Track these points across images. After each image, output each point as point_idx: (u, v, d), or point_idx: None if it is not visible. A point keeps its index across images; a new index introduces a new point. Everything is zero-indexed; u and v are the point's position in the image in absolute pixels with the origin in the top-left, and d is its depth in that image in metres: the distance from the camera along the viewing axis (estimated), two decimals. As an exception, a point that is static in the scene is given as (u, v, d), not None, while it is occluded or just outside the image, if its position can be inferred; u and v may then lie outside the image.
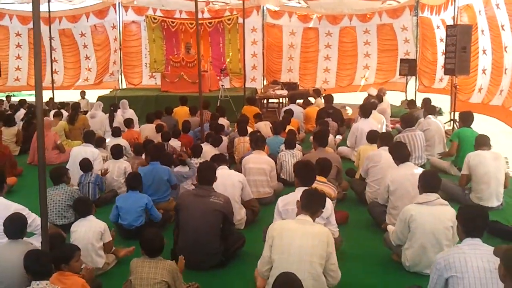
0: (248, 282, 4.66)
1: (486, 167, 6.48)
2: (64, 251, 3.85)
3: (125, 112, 11.96)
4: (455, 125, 10.83)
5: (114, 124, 11.11)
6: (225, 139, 9.21)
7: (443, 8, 14.23)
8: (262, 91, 15.61)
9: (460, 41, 10.52)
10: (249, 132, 8.87)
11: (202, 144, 8.24)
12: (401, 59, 16.27)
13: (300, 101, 13.03)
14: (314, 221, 4.04)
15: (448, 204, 4.76)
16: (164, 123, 10.46)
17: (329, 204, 4.76)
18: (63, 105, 13.05)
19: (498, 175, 6.50)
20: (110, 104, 12.36)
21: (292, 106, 11.73)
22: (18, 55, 18.94)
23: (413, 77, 16.06)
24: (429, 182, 4.77)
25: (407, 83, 16.19)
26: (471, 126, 8.05)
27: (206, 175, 5.11)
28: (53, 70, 18.48)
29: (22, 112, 12.54)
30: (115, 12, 18.64)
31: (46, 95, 16.78)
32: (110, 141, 8.93)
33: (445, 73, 11.59)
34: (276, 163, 7.73)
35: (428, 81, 15.86)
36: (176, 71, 15.76)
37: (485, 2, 11.29)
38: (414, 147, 8.12)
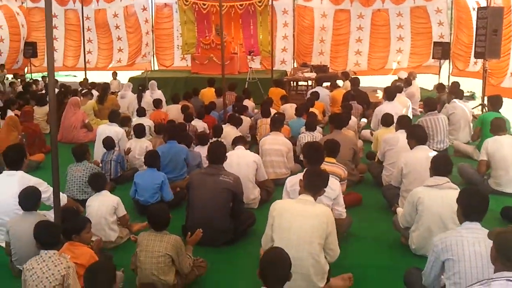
0: (255, 260, 4.68)
1: (504, 152, 6.40)
2: (76, 222, 4.02)
3: (153, 93, 12.14)
4: (484, 110, 10.62)
5: (142, 105, 11.34)
6: (247, 120, 9.31)
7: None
8: (291, 73, 15.54)
9: (491, 23, 10.25)
10: (272, 113, 8.92)
11: (224, 125, 8.36)
12: (434, 42, 15.94)
13: (328, 83, 12.94)
14: (315, 200, 4.07)
15: (458, 188, 4.70)
16: (190, 104, 10.62)
17: (336, 184, 4.79)
18: (94, 85, 13.34)
19: (517, 161, 6.39)
20: (138, 85, 12.57)
21: (318, 89, 11.70)
22: (54, 36, 19.26)
23: (447, 61, 15.72)
24: (440, 165, 4.73)
25: (440, 67, 15.86)
26: (500, 110, 7.90)
27: (216, 154, 5.22)
28: (87, 50, 19.02)
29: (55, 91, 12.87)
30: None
31: (81, 76, 17.27)
32: (135, 120, 9.13)
33: (475, 57, 11.33)
34: (296, 145, 7.82)
35: (462, 64, 15.51)
36: (206, 53, 15.89)
37: (519, -17, 10.98)
38: (436, 131, 8.01)
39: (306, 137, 7.73)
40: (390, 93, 9.22)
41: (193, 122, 8.98)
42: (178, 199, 6.10)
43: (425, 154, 5.59)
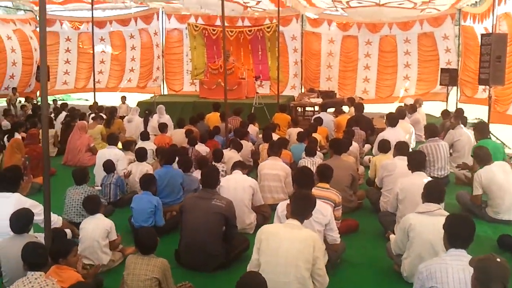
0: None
1: (498, 181, 6.37)
2: (61, 246, 4.04)
3: (161, 117, 12.27)
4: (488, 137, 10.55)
5: (148, 129, 11.48)
6: (248, 144, 9.35)
7: (486, 16, 13.92)
8: (298, 99, 15.62)
9: (495, 50, 10.24)
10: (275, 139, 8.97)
11: (226, 150, 8.41)
12: (441, 69, 15.99)
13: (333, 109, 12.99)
14: (302, 224, 4.07)
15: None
16: (195, 128, 10.71)
17: (327, 210, 4.78)
18: (101, 109, 13.52)
19: (511, 187, 6.35)
20: (145, 109, 12.72)
21: (323, 114, 11.75)
22: (67, 59, 19.85)
23: (455, 88, 15.72)
24: (432, 192, 4.70)
25: (448, 94, 15.86)
26: (503, 137, 7.85)
27: (209, 178, 5.25)
28: (99, 70, 19.36)
29: (63, 115, 13.08)
30: (157, 19, 19.21)
31: (91, 98, 17.53)
32: (139, 144, 9.22)
33: (479, 83, 11.30)
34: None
35: (470, 91, 15.49)
36: (214, 78, 16.06)
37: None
38: (436, 158, 8.00)
39: (306, 162, 7.72)
40: (393, 119, 9.22)
41: (196, 147, 9.04)
42: (174, 223, 6.12)
43: (421, 180, 5.55)
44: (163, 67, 19.50)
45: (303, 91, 17.70)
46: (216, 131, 10.25)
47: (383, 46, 17.63)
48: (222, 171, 7.44)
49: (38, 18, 18.31)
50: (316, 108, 14.73)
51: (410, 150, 8.01)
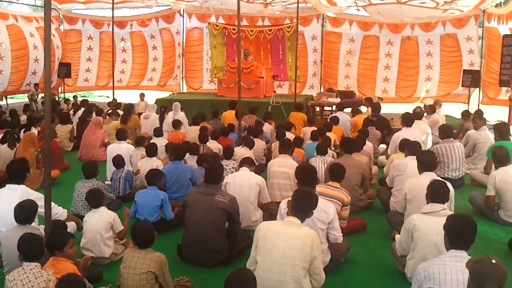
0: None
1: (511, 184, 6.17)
2: (58, 238, 4.05)
3: (176, 114, 12.28)
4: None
5: (164, 125, 11.54)
6: (262, 143, 9.32)
7: (511, 17, 13.64)
8: (316, 98, 15.51)
9: (516, 51, 10.03)
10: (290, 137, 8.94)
11: (238, 147, 8.39)
12: (464, 70, 15.75)
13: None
14: (303, 222, 4.00)
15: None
16: (210, 125, 10.73)
17: (331, 208, 4.70)
18: (119, 105, 13.63)
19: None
20: (160, 106, 12.78)
21: (339, 114, 11.63)
22: (89, 57, 20.07)
23: (477, 89, 15.44)
24: (436, 192, 4.59)
25: (470, 95, 15.59)
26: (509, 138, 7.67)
27: (213, 174, 5.22)
28: (121, 70, 19.57)
29: (82, 111, 13.21)
30: (180, 17, 19.30)
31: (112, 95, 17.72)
32: (152, 140, 9.25)
33: (500, 85, 11.10)
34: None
35: (493, 92, 15.21)
36: (232, 76, 16.02)
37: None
38: (451, 159, 7.86)
39: (317, 161, 7.65)
40: (408, 119, 9.09)
41: (209, 144, 9.04)
42: (179, 218, 6.09)
43: (429, 180, 5.44)
44: (183, 65, 19.58)
45: (322, 90, 17.56)
46: (231, 128, 10.23)
47: (404, 48, 17.37)
48: (233, 168, 7.41)
49: (61, 16, 18.72)
50: (334, 107, 14.60)
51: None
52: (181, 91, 19.36)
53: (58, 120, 10.97)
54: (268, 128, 10.96)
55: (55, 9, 19.10)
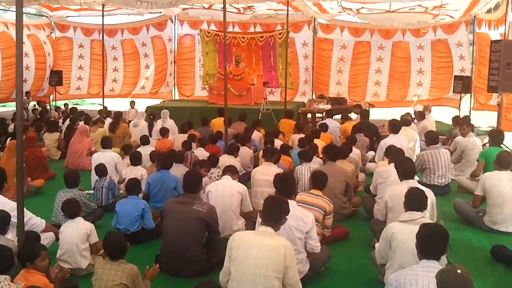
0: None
1: (501, 189, 6.16)
2: (29, 249, 3.99)
3: (165, 122, 12.24)
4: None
5: (153, 133, 11.51)
6: (249, 151, 9.28)
7: (501, 22, 13.62)
8: (307, 105, 15.50)
9: (504, 57, 10.03)
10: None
11: (224, 155, 8.35)
12: (455, 76, 15.76)
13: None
14: (277, 230, 3.96)
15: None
16: (198, 133, 10.68)
17: (309, 217, 4.66)
18: (109, 113, 13.58)
19: (512, 198, 6.13)
20: (149, 114, 12.74)
21: (328, 121, 11.60)
22: (80, 65, 20.04)
23: (468, 94, 15.45)
24: (413, 200, 4.56)
25: (460, 100, 15.60)
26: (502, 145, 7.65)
27: (191, 183, 5.17)
28: (113, 79, 19.53)
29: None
30: (172, 24, 19.29)
31: (107, 104, 17.69)
32: (139, 148, 9.19)
33: (488, 91, 11.06)
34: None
35: (484, 98, 15.16)
36: (223, 83, 15.95)
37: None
38: (437, 166, 7.83)
39: (302, 168, 7.61)
40: (395, 125, 9.07)
41: (196, 151, 9.00)
42: (161, 228, 6.04)
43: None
44: (175, 73, 19.56)
45: (313, 97, 17.54)
46: (219, 136, 10.18)
47: (396, 51, 17.41)
48: (218, 176, 7.35)
49: (53, 24, 18.70)
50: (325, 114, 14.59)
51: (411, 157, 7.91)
52: (173, 99, 19.33)
53: (45, 128, 10.92)
54: (257, 135, 10.92)
55: (46, 17, 19.11)
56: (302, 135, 10.02)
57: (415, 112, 12.99)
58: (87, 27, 19.91)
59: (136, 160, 7.75)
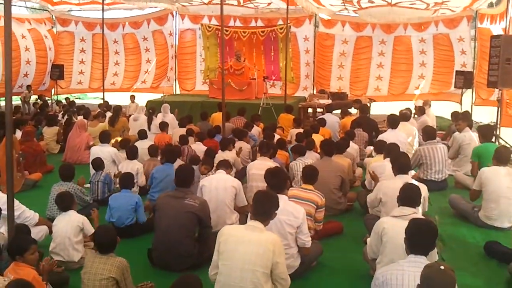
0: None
1: (498, 184, 6.12)
2: (19, 243, 3.99)
3: (165, 116, 12.25)
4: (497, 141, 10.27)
5: (151, 127, 11.51)
6: (247, 145, 9.26)
7: (504, 17, 13.54)
8: (308, 100, 15.46)
9: (504, 52, 9.96)
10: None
11: (220, 152, 8.35)
12: (456, 71, 15.65)
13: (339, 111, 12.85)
14: (266, 225, 3.95)
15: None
16: (197, 127, 10.68)
17: (300, 212, 4.65)
18: (109, 107, 13.59)
19: (510, 194, 6.08)
20: (148, 108, 12.74)
21: (327, 116, 11.56)
22: (82, 59, 20.03)
23: (470, 90, 15.37)
24: (407, 195, 4.54)
25: (462, 96, 15.52)
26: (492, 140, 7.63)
27: (183, 177, 5.17)
28: (114, 72, 19.55)
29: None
30: (173, 19, 19.26)
31: (108, 98, 17.72)
32: (137, 143, 9.20)
33: (488, 86, 10.99)
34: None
35: (486, 93, 15.08)
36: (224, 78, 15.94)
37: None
38: (434, 161, 7.81)
39: (297, 164, 7.59)
40: (393, 120, 9.02)
41: (194, 146, 9.01)
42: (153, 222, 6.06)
43: (402, 183, 5.39)
44: (176, 67, 19.55)
45: (314, 92, 17.50)
46: (217, 130, 10.17)
47: (397, 45, 17.30)
48: (213, 171, 7.35)
49: (54, 18, 18.69)
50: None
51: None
52: (174, 93, 19.32)
53: (45, 122, 10.94)
54: (256, 130, 10.91)
55: (47, 11, 19.10)
56: (301, 130, 10.00)
57: (415, 107, 12.95)
58: (89, 21, 19.89)
59: (132, 154, 7.77)
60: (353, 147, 8.79)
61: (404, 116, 10.00)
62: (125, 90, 19.86)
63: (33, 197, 7.33)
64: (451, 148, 8.69)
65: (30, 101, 16.93)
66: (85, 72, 20.12)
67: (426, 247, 3.47)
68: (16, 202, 5.17)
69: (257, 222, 3.90)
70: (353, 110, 13.96)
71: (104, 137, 8.49)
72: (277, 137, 9.49)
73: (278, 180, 4.76)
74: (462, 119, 9.35)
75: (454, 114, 11.48)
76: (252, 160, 9.12)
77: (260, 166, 6.95)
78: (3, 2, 17.20)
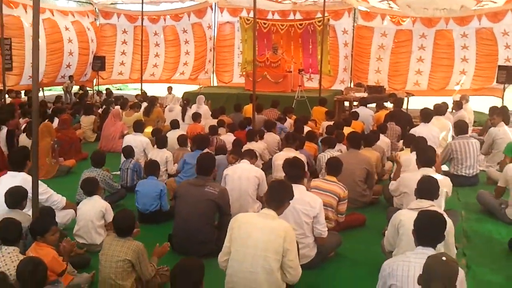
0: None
1: (522, 181, 5.95)
2: (40, 224, 4.15)
3: (199, 107, 12.39)
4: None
5: (185, 118, 11.68)
6: (276, 136, 9.28)
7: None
8: (344, 93, 15.34)
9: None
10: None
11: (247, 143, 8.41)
12: (499, 66, 15.17)
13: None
14: (280, 214, 3.97)
15: (443, 213, 4.44)
16: (229, 119, 10.79)
17: (317, 202, 4.66)
18: (145, 98, 13.85)
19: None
20: (183, 99, 12.91)
21: (361, 109, 11.45)
22: (123, 51, 20.46)
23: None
24: (424, 188, 4.48)
25: (504, 90, 15.06)
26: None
27: (203, 165, 5.24)
28: (154, 64, 19.90)
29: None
30: (212, 12, 19.42)
31: (148, 89, 18.06)
32: (169, 132, 9.37)
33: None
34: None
35: (529, 88, 14.65)
36: (260, 70, 15.99)
37: None
38: (465, 156, 7.64)
39: (325, 155, 7.56)
40: (427, 114, 8.84)
41: (225, 136, 9.11)
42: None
43: (426, 176, 5.32)
44: (214, 59, 19.72)
45: (351, 85, 17.33)
46: (248, 122, 10.23)
47: (438, 40, 16.93)
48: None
49: (97, 11, 19.15)
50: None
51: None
52: (211, 85, 19.51)
53: (83, 111, 11.27)
54: (288, 122, 10.92)
55: (91, 4, 19.59)
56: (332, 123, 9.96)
57: (453, 101, 12.66)
58: (131, 13, 20.29)
59: (162, 143, 7.93)
60: (383, 141, 8.69)
61: (438, 110, 9.76)
62: (164, 81, 20.19)
63: (66, 183, 7.58)
64: (484, 142, 8.48)
65: (72, 91, 17.41)
66: (126, 63, 20.56)
67: (434, 239, 3.43)
68: (44, 186, 5.40)
69: (269, 210, 3.94)
70: (390, 104, 13.75)
71: (138, 127, 8.68)
72: (307, 129, 9.49)
73: (295, 170, 4.78)
74: (497, 113, 9.09)
75: (492, 109, 11.14)
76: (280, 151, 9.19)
77: (284, 157, 6.93)
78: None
